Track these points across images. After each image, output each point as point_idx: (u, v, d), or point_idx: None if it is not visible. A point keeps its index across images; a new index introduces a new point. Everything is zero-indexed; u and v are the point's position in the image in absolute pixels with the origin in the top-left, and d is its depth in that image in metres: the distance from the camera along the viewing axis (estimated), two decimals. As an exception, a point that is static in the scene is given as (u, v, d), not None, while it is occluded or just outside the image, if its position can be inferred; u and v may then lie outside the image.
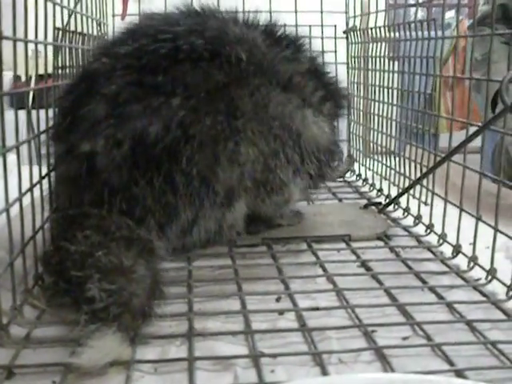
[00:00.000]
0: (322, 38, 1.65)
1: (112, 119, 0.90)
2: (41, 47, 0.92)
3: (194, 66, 0.94)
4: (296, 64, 1.08)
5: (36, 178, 0.90)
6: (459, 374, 0.65)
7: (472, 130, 0.96)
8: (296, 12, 1.62)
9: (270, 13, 1.57)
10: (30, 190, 0.86)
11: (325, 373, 0.66)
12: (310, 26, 1.63)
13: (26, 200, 0.83)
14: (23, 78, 0.87)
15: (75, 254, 0.79)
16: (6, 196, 0.75)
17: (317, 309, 0.81)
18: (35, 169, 0.89)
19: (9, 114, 0.74)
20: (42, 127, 0.95)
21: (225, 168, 0.95)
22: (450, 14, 3.64)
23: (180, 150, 0.91)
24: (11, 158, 0.77)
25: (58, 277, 0.79)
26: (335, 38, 1.68)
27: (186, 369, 0.66)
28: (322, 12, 1.64)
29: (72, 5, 1.12)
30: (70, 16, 1.11)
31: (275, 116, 1.00)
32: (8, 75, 0.77)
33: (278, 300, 0.86)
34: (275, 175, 1.01)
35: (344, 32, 1.71)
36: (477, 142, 0.98)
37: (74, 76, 1.10)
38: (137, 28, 1.05)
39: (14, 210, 0.78)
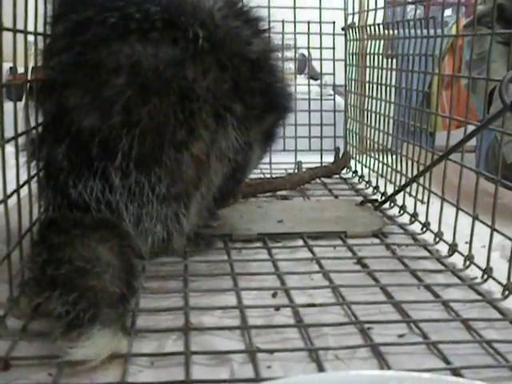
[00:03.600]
0: (321, 35, 1.65)
1: (55, 113, 0.85)
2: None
3: (144, 37, 0.84)
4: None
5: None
6: (455, 372, 0.65)
7: (470, 128, 0.96)
8: (295, 8, 1.62)
9: (269, 8, 1.58)
10: (28, 182, 0.86)
11: (321, 369, 0.66)
12: (308, 22, 1.63)
13: (24, 191, 0.84)
14: (20, 70, 0.86)
15: (30, 281, 0.78)
16: (4, 187, 0.75)
17: (313, 305, 0.81)
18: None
19: (6, 106, 0.74)
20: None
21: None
22: (447, 13, 3.64)
23: (117, 141, 0.83)
24: (9, 149, 0.77)
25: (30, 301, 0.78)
26: (333, 34, 1.68)
27: (182, 363, 0.66)
28: (320, 8, 1.64)
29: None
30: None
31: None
32: (5, 66, 0.77)
33: (274, 296, 0.86)
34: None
35: (342, 29, 1.71)
36: (472, 142, 0.98)
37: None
38: None
39: (12, 202, 0.78)
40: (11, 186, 0.79)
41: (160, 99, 0.84)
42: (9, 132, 0.77)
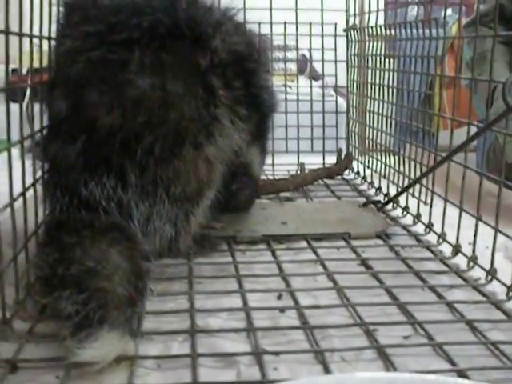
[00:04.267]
0: (323, 36, 1.65)
1: (70, 110, 0.86)
2: (36, 40, 0.90)
3: (174, 44, 0.89)
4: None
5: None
6: (461, 373, 0.65)
7: (472, 129, 0.97)
8: (296, 10, 1.62)
9: (271, 10, 1.59)
10: (33, 184, 0.86)
11: (327, 371, 0.66)
12: (310, 23, 1.63)
13: (28, 193, 0.84)
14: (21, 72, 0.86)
15: (38, 281, 0.79)
16: (10, 190, 0.75)
17: (318, 307, 0.82)
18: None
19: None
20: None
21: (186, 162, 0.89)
22: (447, 12, 3.63)
23: (139, 139, 0.85)
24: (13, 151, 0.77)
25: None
26: (335, 35, 1.68)
27: (189, 365, 0.67)
28: (322, 10, 1.64)
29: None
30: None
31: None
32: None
33: (279, 297, 0.86)
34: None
35: (344, 30, 1.71)
36: (473, 141, 0.98)
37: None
38: (111, 3, 0.93)
39: (17, 203, 0.78)
40: (16, 186, 0.79)
41: (188, 103, 0.87)
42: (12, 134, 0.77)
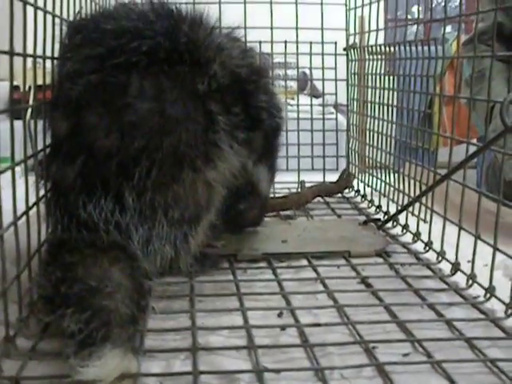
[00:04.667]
0: (323, 55, 1.66)
1: (70, 131, 0.87)
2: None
3: (172, 69, 0.90)
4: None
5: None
6: (460, 391, 0.66)
7: (471, 148, 0.97)
8: (297, 28, 1.63)
9: (272, 29, 1.60)
10: (37, 203, 0.87)
11: (328, 388, 0.66)
12: (310, 42, 1.64)
13: (32, 211, 0.84)
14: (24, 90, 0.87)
15: (41, 299, 0.80)
16: (14, 208, 0.75)
17: (318, 325, 0.82)
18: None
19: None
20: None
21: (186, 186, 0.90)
22: (446, 29, 3.63)
23: (136, 163, 0.85)
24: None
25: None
26: (335, 54, 1.69)
27: (190, 382, 0.67)
28: (322, 29, 1.66)
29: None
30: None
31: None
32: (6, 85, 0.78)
33: (279, 315, 0.86)
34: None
35: (344, 49, 1.72)
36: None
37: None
38: (112, 25, 0.92)
39: (20, 222, 0.79)
40: (19, 204, 0.80)
41: (186, 129, 0.88)
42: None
